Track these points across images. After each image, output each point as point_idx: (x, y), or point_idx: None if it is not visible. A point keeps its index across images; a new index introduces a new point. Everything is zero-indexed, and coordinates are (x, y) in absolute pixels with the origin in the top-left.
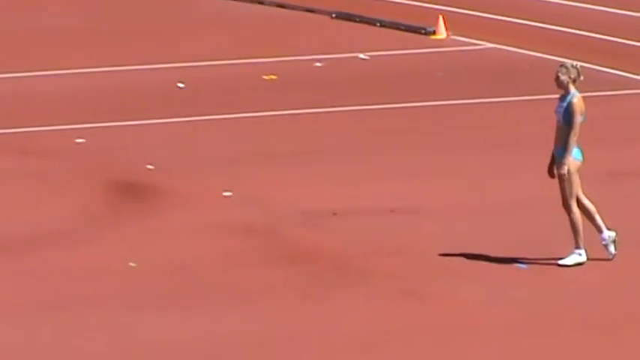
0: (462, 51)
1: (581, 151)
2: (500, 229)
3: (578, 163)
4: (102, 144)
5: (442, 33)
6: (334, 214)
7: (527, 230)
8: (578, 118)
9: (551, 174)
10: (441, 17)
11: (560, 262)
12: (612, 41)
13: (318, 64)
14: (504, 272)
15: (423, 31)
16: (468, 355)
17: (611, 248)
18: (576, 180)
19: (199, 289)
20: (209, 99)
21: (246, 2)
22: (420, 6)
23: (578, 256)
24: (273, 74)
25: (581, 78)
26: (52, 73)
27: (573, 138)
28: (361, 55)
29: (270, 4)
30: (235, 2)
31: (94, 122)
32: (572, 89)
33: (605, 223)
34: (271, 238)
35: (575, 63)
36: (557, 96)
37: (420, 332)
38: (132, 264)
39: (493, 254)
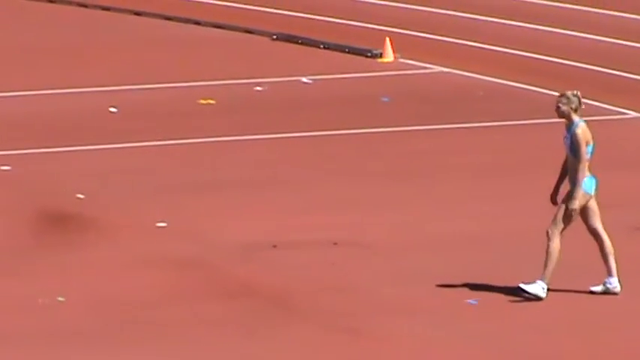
0: (411, 75)
1: (596, 181)
2: (447, 263)
3: (588, 196)
4: (29, 172)
5: (389, 56)
6: (274, 246)
7: (476, 264)
8: (584, 149)
9: (553, 201)
10: (388, 39)
11: (522, 284)
12: (570, 65)
13: (258, 88)
14: (452, 308)
15: (369, 54)
16: None
17: (611, 290)
18: (593, 212)
19: (130, 325)
20: (143, 124)
21: (183, 22)
22: (367, 27)
23: (541, 290)
24: (211, 98)
25: (583, 106)
26: None
27: (582, 171)
28: (304, 79)
29: (208, 25)
30: (171, 22)
31: (21, 149)
32: (576, 118)
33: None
34: (207, 272)
35: (575, 92)
36: (508, 122)
37: None
38: (60, 298)
39: (440, 290)
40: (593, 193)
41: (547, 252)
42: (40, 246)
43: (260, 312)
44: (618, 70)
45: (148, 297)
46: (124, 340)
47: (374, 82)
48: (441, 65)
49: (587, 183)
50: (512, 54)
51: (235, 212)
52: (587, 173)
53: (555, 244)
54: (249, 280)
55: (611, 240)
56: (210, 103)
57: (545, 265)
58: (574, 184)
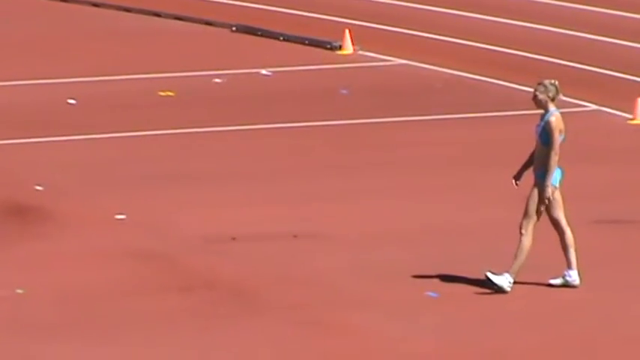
0: (370, 67)
1: (562, 172)
2: (411, 256)
3: (553, 188)
4: (5, 162)
5: (349, 48)
6: (233, 238)
7: (438, 256)
8: (557, 137)
9: (515, 180)
10: (347, 31)
11: (489, 273)
12: (530, 58)
13: (217, 79)
14: (413, 301)
15: (329, 46)
16: None
17: (570, 284)
18: (557, 203)
19: (88, 318)
20: (102, 116)
21: (142, 14)
22: (326, 19)
23: (507, 283)
24: (171, 90)
25: (560, 96)
26: None
27: (554, 158)
28: (263, 71)
29: (167, 16)
30: (130, 14)
31: None
32: (551, 107)
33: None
34: (166, 264)
35: (552, 80)
36: (462, 115)
37: None
38: (19, 290)
39: (402, 282)
40: (558, 185)
41: (519, 246)
42: None
43: (219, 304)
44: (578, 63)
45: (107, 289)
46: (83, 332)
47: (333, 75)
48: (401, 57)
49: (558, 174)
50: (472, 46)
51: (195, 204)
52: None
53: (528, 239)
54: (208, 273)
55: (573, 233)
56: (169, 95)
57: (516, 258)
58: (546, 172)
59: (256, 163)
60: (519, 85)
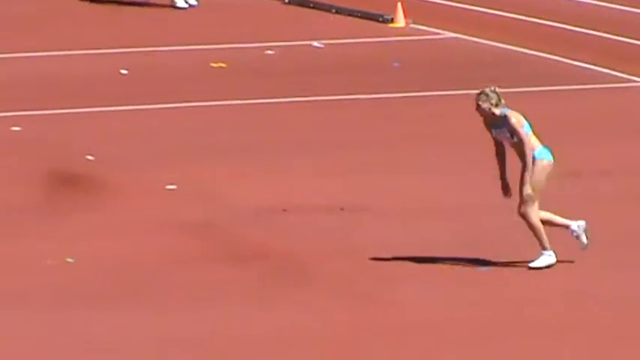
0: (421, 40)
1: (550, 151)
2: (455, 230)
3: (552, 163)
4: (39, 133)
5: (400, 21)
6: (284, 210)
7: (484, 231)
8: (523, 132)
9: (506, 192)
10: (399, 4)
11: (531, 264)
12: (581, 32)
13: (269, 51)
14: (458, 275)
15: (381, 19)
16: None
17: (583, 238)
18: (542, 184)
19: (138, 287)
20: (154, 87)
21: None
22: None
23: (548, 257)
24: (222, 62)
25: (503, 101)
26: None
27: (529, 153)
28: (315, 43)
29: None
30: None
31: (32, 110)
32: (498, 111)
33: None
34: (216, 235)
35: (492, 87)
36: (515, 90)
37: (370, 335)
38: (69, 259)
39: (449, 256)
40: (553, 159)
41: (531, 229)
42: (49, 207)
43: (269, 276)
44: (629, 38)
45: (157, 259)
46: (132, 302)
47: (385, 48)
48: (452, 31)
49: (545, 151)
50: (523, 20)
51: (245, 176)
52: (539, 144)
53: (534, 219)
54: (259, 244)
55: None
56: (221, 67)
57: (538, 238)
58: (526, 162)
59: (306, 135)
60: (570, 59)
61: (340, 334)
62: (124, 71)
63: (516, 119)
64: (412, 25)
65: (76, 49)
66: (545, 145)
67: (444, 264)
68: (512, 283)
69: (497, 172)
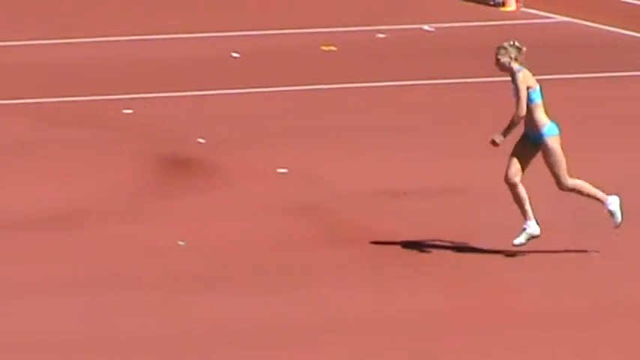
0: (533, 24)
1: (557, 125)
2: (577, 209)
3: (558, 137)
4: (151, 116)
5: (512, 5)
6: (404, 193)
7: (592, 212)
8: (524, 95)
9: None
10: None
11: (516, 242)
12: None
13: (380, 35)
14: (570, 258)
15: (492, 3)
16: (529, 341)
17: (618, 215)
18: (562, 158)
19: (249, 270)
20: (265, 70)
21: None
22: None
23: (531, 231)
24: (333, 45)
25: (524, 51)
26: (101, 40)
27: (518, 117)
28: (425, 27)
29: None
30: None
31: (144, 93)
32: (515, 67)
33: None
34: (328, 218)
35: (511, 42)
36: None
37: (485, 319)
38: (180, 242)
39: (556, 239)
40: (560, 133)
41: (579, 192)
42: (161, 190)
43: (381, 259)
44: None
45: (268, 242)
46: (242, 285)
47: (496, 31)
48: (564, 15)
49: (553, 127)
50: (636, 4)
51: (356, 159)
52: (547, 119)
53: (574, 183)
54: (367, 227)
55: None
56: (331, 50)
57: (596, 197)
58: (512, 124)
59: (418, 117)
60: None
61: (457, 317)
62: (235, 54)
63: (524, 79)
64: (523, 9)
65: (189, 33)
66: (552, 120)
67: (550, 246)
68: (624, 265)
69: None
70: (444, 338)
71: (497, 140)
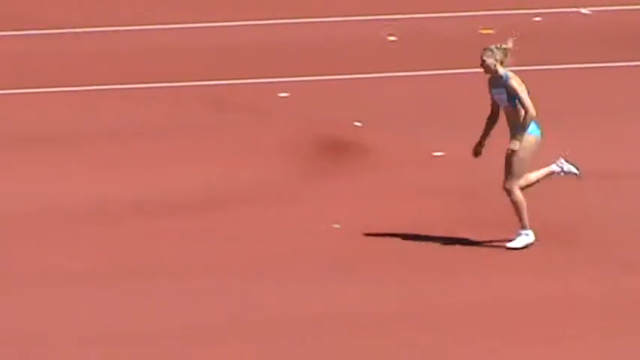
0: None
1: (539, 126)
2: None
3: (538, 140)
4: (306, 99)
5: None
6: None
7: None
8: (524, 92)
9: (475, 152)
10: None
11: (508, 245)
12: None
13: (536, 18)
14: None
15: None
16: None
17: (573, 169)
18: (529, 160)
19: (407, 253)
20: (422, 53)
21: None
22: None
23: (526, 237)
24: (490, 28)
25: (508, 58)
26: (257, 23)
27: (531, 113)
28: (583, 10)
29: None
30: None
31: (299, 76)
32: (502, 71)
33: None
34: (483, 202)
35: (499, 44)
36: None
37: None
38: (335, 225)
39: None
40: (542, 135)
41: (514, 205)
42: (317, 173)
43: (538, 246)
44: None
45: (422, 225)
46: (395, 269)
47: None
48: None
49: (535, 127)
50: None
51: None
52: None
53: (519, 196)
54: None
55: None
56: (489, 33)
57: (519, 216)
58: (522, 130)
59: (580, 102)
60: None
61: (605, 301)
62: (392, 38)
63: (517, 82)
64: None
65: (346, 16)
66: (535, 121)
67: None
68: None
69: None
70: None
71: (515, 148)
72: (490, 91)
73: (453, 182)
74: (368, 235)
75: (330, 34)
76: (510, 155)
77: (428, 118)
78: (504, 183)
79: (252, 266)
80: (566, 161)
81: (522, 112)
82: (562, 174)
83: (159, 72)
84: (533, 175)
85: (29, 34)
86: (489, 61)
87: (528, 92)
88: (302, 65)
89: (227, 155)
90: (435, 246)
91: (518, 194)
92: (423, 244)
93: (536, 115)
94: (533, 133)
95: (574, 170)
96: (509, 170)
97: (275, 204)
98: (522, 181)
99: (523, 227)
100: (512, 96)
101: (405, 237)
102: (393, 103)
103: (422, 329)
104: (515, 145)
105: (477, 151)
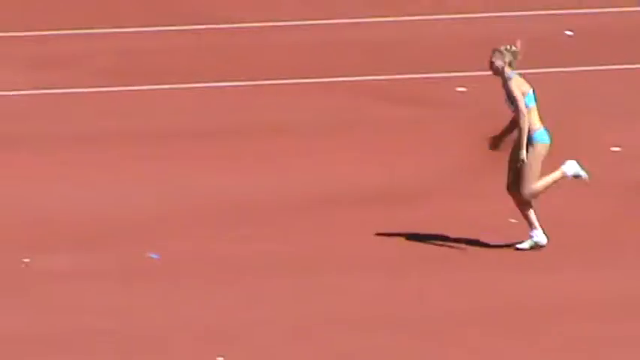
0: None
1: (548, 133)
2: None
3: (546, 146)
4: (485, 93)
5: None
6: None
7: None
8: (520, 100)
9: (491, 145)
10: None
11: (519, 246)
12: None
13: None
14: None
15: None
16: None
17: (582, 173)
18: (539, 166)
19: (590, 246)
20: (598, 48)
21: None
22: None
23: (538, 239)
24: None
25: (519, 58)
26: (428, 18)
27: (523, 119)
28: None
29: None
30: None
31: (477, 70)
32: (508, 72)
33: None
34: None
35: (508, 46)
36: None
37: None
38: (512, 220)
39: None
40: (551, 142)
41: (524, 208)
42: (492, 168)
43: None
44: None
45: (603, 220)
46: (582, 260)
47: None
48: None
49: (544, 133)
50: None
51: None
52: (540, 125)
53: (529, 203)
54: None
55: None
56: None
57: (530, 221)
58: (520, 136)
59: None
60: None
61: None
62: (569, 32)
63: (517, 85)
64: None
65: (521, 11)
66: (545, 127)
67: None
68: None
69: None
70: None
71: (523, 157)
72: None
73: (631, 176)
74: (549, 227)
75: (505, 28)
76: (520, 165)
77: (607, 114)
78: (521, 191)
79: (437, 257)
80: (576, 164)
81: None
82: (572, 177)
83: (335, 65)
84: (552, 177)
85: (196, 29)
86: (498, 62)
87: (536, 97)
88: (478, 60)
89: (407, 150)
90: (622, 238)
91: (529, 205)
92: (610, 236)
93: (540, 123)
94: (541, 140)
95: (584, 175)
96: (523, 178)
97: (451, 198)
98: (541, 185)
99: (534, 228)
100: (510, 100)
101: (591, 229)
102: (569, 97)
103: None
104: (522, 154)
105: (493, 144)
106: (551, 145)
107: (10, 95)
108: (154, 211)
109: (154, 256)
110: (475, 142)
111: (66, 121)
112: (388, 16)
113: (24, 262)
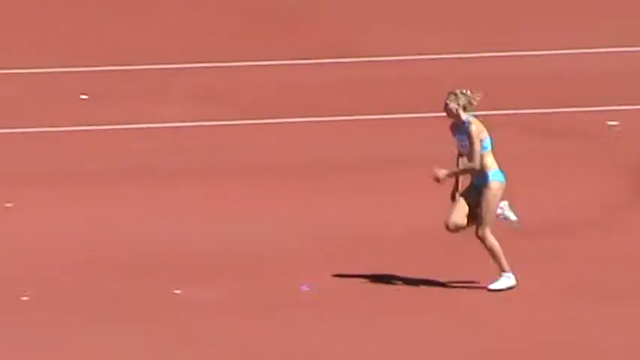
0: None
1: (503, 173)
2: None
3: (502, 185)
4: (636, 128)
5: None
6: None
7: None
8: (477, 144)
9: (453, 197)
10: None
11: (490, 286)
12: None
13: None
14: None
15: None
16: None
17: (512, 216)
18: (496, 207)
19: None
20: None
21: None
22: None
23: (508, 279)
24: None
25: (474, 104)
26: (578, 51)
27: (468, 165)
28: None
29: None
30: None
31: (629, 105)
32: (464, 116)
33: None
34: None
35: (464, 90)
36: None
37: None
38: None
39: None
40: (504, 182)
41: (489, 250)
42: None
43: None
44: None
45: None
46: None
47: None
48: None
49: (499, 173)
50: None
51: None
52: (496, 166)
53: (491, 240)
54: None
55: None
56: None
57: (497, 261)
58: (485, 177)
59: None
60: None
61: None
62: None
63: (477, 129)
64: None
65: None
66: (500, 168)
67: None
68: None
69: None
70: None
71: (440, 176)
72: (454, 135)
73: None
74: None
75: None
76: (481, 203)
77: None
78: (477, 231)
79: (592, 290)
80: (509, 207)
81: (483, 157)
82: (502, 217)
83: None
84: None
85: (349, 62)
86: (452, 105)
87: (491, 138)
88: (630, 93)
89: (558, 182)
90: None
91: (492, 240)
92: None
93: (495, 164)
94: (497, 179)
95: (512, 217)
96: (480, 219)
97: (604, 231)
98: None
99: (503, 270)
100: (469, 141)
101: None
102: None
103: None
104: (441, 173)
105: (454, 195)
106: (505, 182)
107: (169, 127)
108: (298, 243)
109: (305, 288)
110: (624, 175)
111: (222, 153)
112: (538, 50)
113: (175, 293)
